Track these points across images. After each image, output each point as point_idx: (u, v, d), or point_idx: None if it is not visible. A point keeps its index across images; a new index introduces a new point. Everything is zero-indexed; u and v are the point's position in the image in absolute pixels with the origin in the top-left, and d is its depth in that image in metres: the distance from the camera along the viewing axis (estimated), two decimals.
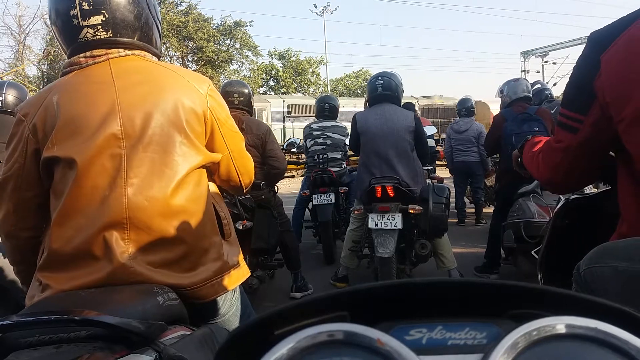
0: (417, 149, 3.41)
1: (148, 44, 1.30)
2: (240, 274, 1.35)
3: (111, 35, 1.20)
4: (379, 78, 3.52)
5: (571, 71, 1.18)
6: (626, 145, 1.06)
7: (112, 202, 1.11)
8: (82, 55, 1.21)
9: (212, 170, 1.36)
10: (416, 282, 0.37)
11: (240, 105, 3.43)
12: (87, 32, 1.19)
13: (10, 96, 2.99)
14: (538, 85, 5.46)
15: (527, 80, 4.30)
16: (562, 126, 1.18)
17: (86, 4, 1.16)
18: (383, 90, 3.47)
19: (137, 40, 1.26)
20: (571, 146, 1.16)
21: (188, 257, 1.19)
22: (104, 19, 1.18)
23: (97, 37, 1.19)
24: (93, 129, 1.13)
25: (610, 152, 1.21)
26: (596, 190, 2.58)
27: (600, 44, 1.07)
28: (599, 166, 1.22)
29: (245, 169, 1.46)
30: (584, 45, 1.15)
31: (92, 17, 1.17)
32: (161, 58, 1.39)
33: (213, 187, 1.37)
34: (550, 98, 5.23)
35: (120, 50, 1.23)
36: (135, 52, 1.26)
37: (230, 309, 1.34)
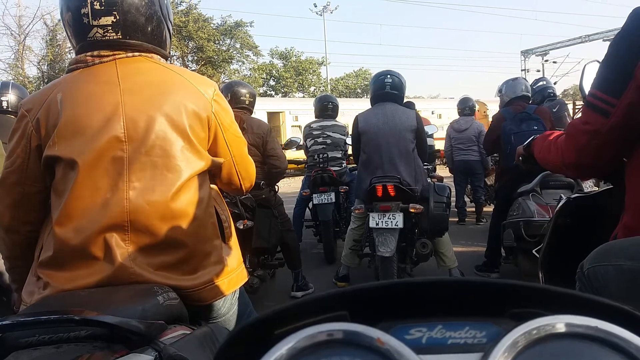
0: (416, 148, 3.41)
1: (157, 46, 1.29)
2: (240, 277, 1.35)
3: (120, 37, 1.19)
4: (388, 76, 3.49)
5: (607, 50, 1.10)
6: None
7: (113, 205, 1.11)
8: (89, 53, 1.21)
9: (213, 174, 1.36)
10: (416, 281, 0.37)
11: (250, 106, 3.49)
12: (97, 31, 1.18)
13: (14, 96, 2.99)
14: (542, 83, 5.41)
15: (526, 79, 4.29)
16: (592, 108, 1.11)
17: (98, 3, 1.15)
18: (391, 89, 3.46)
19: (147, 43, 1.25)
20: (601, 130, 1.09)
21: (189, 260, 1.19)
22: (114, 20, 1.17)
23: (106, 37, 1.18)
24: (96, 129, 1.12)
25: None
26: (597, 188, 2.58)
27: None
28: (625, 150, 1.15)
29: (246, 173, 1.46)
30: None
31: (102, 18, 1.16)
32: None
33: (214, 189, 1.37)
34: (553, 97, 5.21)
35: (128, 51, 1.22)
36: (143, 53, 1.25)
37: (230, 309, 1.34)
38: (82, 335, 0.80)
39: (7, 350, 0.79)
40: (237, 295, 1.39)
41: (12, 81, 3.36)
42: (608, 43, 1.12)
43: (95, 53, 1.20)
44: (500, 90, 4.13)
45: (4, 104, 2.96)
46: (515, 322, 0.33)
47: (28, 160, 1.17)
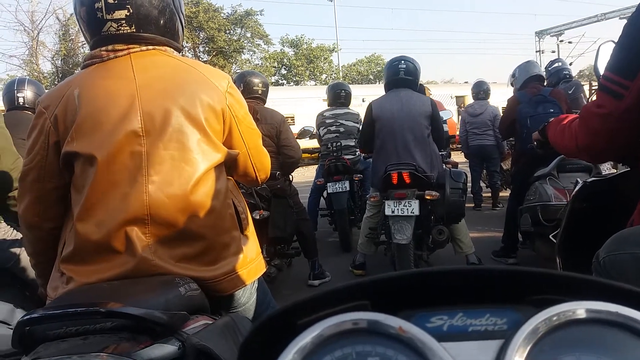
0: (432, 134, 3.39)
1: (170, 39, 1.30)
2: (259, 267, 1.37)
3: (134, 30, 1.20)
4: (402, 62, 3.46)
5: (621, 31, 1.07)
6: None
7: (133, 199, 1.12)
8: (103, 48, 1.22)
9: (229, 166, 1.37)
10: (435, 271, 0.37)
11: (262, 95, 3.50)
12: (111, 26, 1.19)
13: (30, 93, 3.02)
14: (558, 64, 5.32)
15: (537, 62, 4.22)
16: (606, 90, 1.09)
17: None
18: (405, 75, 3.43)
19: (160, 36, 1.26)
20: (614, 113, 1.07)
21: (209, 252, 1.21)
22: (128, 13, 1.18)
23: (121, 31, 1.19)
24: (113, 125, 1.13)
25: None
26: (615, 171, 2.55)
27: None
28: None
29: (262, 165, 1.47)
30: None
31: (116, 12, 1.17)
32: None
33: (230, 180, 1.38)
34: (569, 78, 5.12)
35: (142, 44, 1.23)
36: (157, 46, 1.26)
37: (250, 298, 1.36)
38: (107, 326, 0.82)
39: (35, 342, 0.82)
40: (257, 285, 1.41)
41: (27, 77, 3.39)
42: (625, 21, 1.09)
43: (110, 47, 1.21)
44: (513, 75, 4.08)
45: (21, 100, 2.99)
46: (536, 308, 0.34)
47: (46, 157, 1.19)
